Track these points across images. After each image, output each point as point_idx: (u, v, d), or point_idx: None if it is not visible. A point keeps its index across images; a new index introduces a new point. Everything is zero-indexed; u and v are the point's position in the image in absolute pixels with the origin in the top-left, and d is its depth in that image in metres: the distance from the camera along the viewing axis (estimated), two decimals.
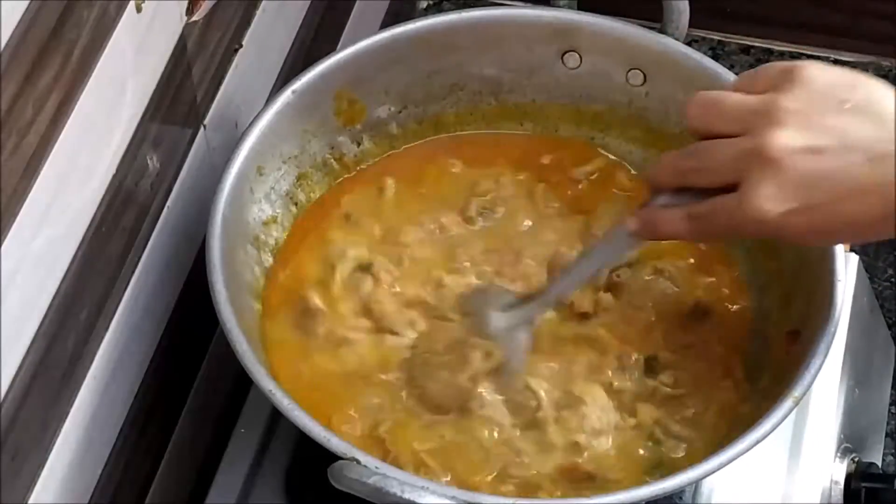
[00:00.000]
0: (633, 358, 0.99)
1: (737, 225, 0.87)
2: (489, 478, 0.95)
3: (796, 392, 0.92)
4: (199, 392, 1.10)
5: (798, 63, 0.88)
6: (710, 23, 1.37)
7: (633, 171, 1.10)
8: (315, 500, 1.00)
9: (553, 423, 0.96)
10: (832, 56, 1.37)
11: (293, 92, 1.05)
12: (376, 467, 0.87)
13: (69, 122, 0.84)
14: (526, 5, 1.14)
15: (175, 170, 1.01)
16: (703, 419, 0.98)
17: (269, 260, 1.04)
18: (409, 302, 1.02)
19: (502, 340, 0.98)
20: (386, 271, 1.02)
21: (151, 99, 0.95)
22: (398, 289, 1.02)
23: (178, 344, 1.06)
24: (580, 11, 1.10)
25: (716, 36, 1.39)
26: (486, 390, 0.97)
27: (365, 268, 1.03)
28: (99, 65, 0.87)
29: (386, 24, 1.34)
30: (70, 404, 0.92)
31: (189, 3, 0.97)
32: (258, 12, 1.08)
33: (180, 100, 0.99)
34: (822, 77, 0.87)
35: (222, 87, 1.06)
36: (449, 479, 0.94)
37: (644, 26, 1.08)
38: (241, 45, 1.07)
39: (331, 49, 1.10)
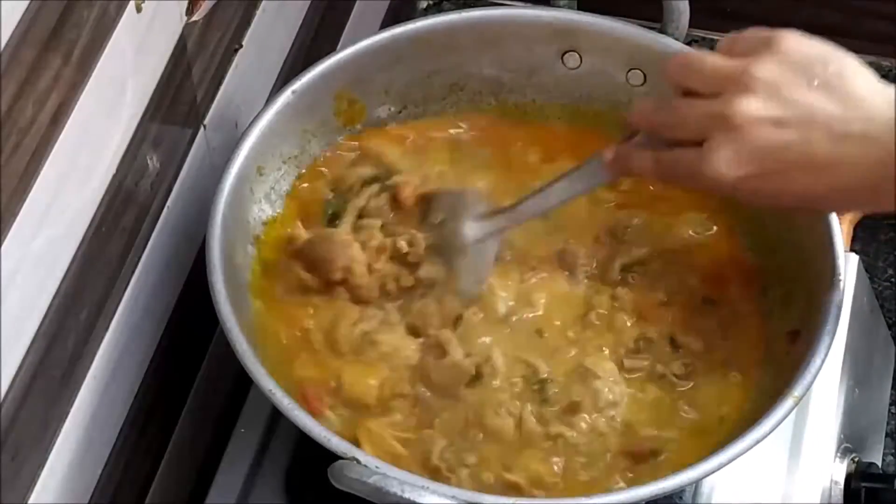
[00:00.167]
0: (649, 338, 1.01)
1: (695, 179, 0.91)
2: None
3: (796, 392, 0.92)
4: (199, 392, 1.10)
5: (778, 32, 0.91)
6: (710, 23, 1.36)
7: None
8: (315, 500, 1.00)
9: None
10: None
11: (293, 92, 1.05)
12: (376, 467, 0.87)
13: (69, 122, 0.84)
14: (526, 5, 1.14)
15: (175, 170, 1.01)
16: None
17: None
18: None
19: (470, 249, 1.00)
20: None
21: (151, 99, 0.95)
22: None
23: (178, 344, 1.06)
24: (580, 11, 1.10)
25: (716, 36, 1.39)
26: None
27: None
28: (99, 65, 0.87)
29: (386, 24, 1.34)
30: (70, 404, 0.92)
31: (189, 3, 0.97)
32: (258, 12, 1.08)
33: (180, 100, 0.99)
34: (798, 49, 0.90)
35: (222, 87, 1.06)
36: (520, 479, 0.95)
37: (644, 26, 1.08)
38: (241, 45, 1.07)
39: (331, 49, 1.10)
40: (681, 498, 1.01)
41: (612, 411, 0.97)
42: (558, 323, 1.01)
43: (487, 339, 1.00)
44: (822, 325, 0.95)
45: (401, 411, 0.97)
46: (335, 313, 1.00)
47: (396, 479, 0.87)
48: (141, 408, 1.02)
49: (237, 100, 1.08)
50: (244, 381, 0.99)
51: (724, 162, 0.88)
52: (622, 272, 1.03)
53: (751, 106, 0.88)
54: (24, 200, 0.81)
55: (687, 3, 1.07)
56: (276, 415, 0.99)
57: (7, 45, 0.76)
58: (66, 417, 0.91)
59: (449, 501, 0.86)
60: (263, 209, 1.04)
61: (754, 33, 0.92)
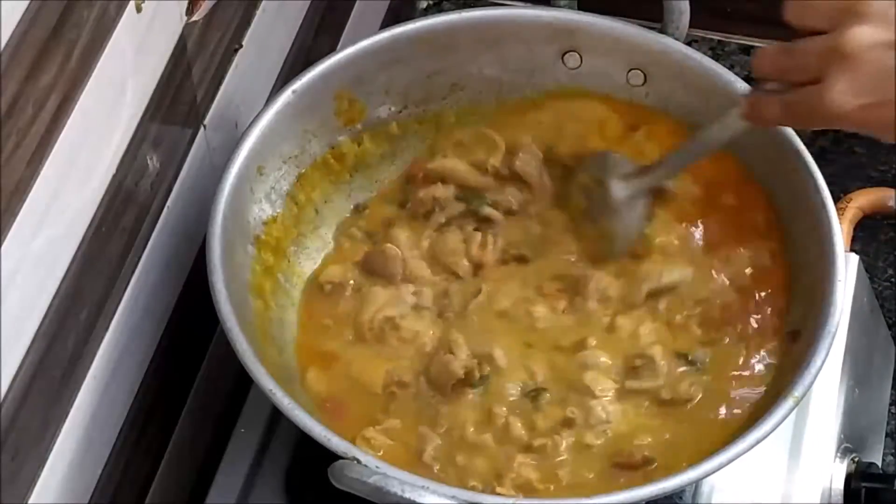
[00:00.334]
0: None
1: (819, 116, 0.91)
2: None
3: (796, 392, 0.92)
4: (199, 392, 1.10)
5: None
6: (710, 23, 1.37)
7: None
8: (315, 500, 1.00)
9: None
10: None
11: (293, 92, 1.05)
12: (377, 467, 0.87)
13: (69, 122, 0.84)
14: (526, 5, 1.14)
15: (175, 170, 1.01)
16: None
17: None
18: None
19: (623, 208, 1.02)
20: None
21: (151, 99, 0.95)
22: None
23: (178, 344, 1.06)
24: (580, 11, 1.10)
25: (716, 36, 1.39)
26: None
27: None
28: (99, 65, 0.87)
29: (386, 24, 1.34)
30: (70, 404, 0.92)
31: (189, 3, 0.97)
32: (258, 12, 1.08)
33: (180, 100, 0.99)
34: None
35: (222, 87, 1.06)
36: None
37: (644, 26, 1.08)
38: (241, 45, 1.07)
39: (331, 49, 1.10)
40: (681, 498, 1.01)
41: (604, 427, 0.97)
42: (568, 335, 1.02)
43: (494, 338, 1.01)
44: (822, 325, 0.95)
45: (400, 400, 0.98)
46: (363, 297, 1.03)
47: (396, 479, 0.87)
48: (141, 408, 1.02)
49: (237, 100, 1.08)
50: (244, 381, 0.99)
51: (842, 93, 0.88)
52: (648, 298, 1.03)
53: (864, 32, 0.87)
54: (24, 200, 0.81)
55: (687, 3, 1.07)
56: (276, 415, 0.99)
57: (7, 45, 0.76)
58: (66, 417, 0.91)
59: (449, 501, 0.86)
60: (263, 209, 1.04)
61: None
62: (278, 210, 1.05)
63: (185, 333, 1.06)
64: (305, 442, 0.90)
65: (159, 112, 0.96)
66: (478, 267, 1.06)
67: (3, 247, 0.79)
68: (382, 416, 0.98)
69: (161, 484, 1.07)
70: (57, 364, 0.89)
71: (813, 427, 1.05)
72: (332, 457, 0.88)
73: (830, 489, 1.06)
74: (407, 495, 0.86)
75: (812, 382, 0.93)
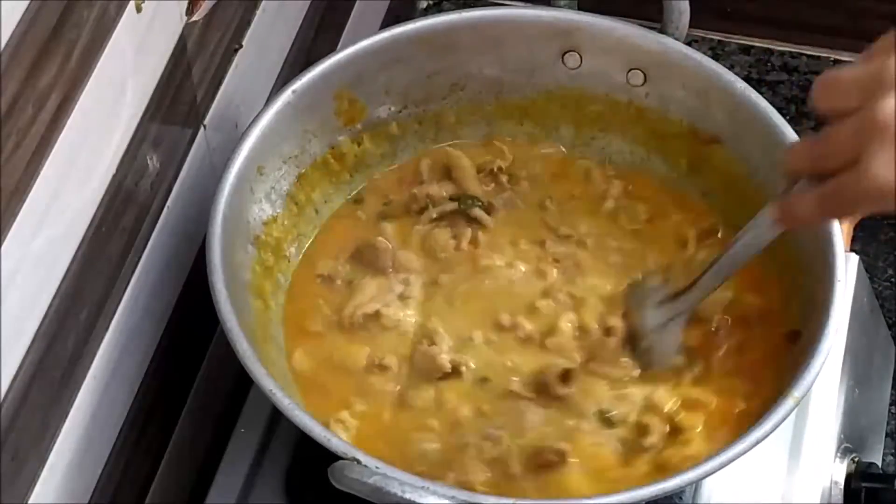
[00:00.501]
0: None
1: (861, 199, 0.85)
2: None
3: (796, 392, 0.92)
4: (199, 392, 1.10)
5: None
6: (710, 23, 1.37)
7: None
8: (315, 500, 1.00)
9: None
10: (832, 56, 1.37)
11: (293, 92, 1.05)
12: (376, 467, 0.87)
13: (69, 122, 0.84)
14: (526, 5, 1.14)
15: (175, 170, 1.01)
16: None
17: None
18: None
19: (657, 335, 1.00)
20: None
21: (151, 99, 0.95)
22: None
23: (178, 344, 1.06)
24: (580, 11, 1.10)
25: (716, 36, 1.39)
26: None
27: None
28: (99, 65, 0.87)
29: (386, 24, 1.34)
30: (70, 404, 0.92)
31: (189, 3, 0.97)
32: (258, 12, 1.08)
33: (180, 100, 0.99)
34: None
35: (222, 87, 1.06)
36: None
37: (644, 26, 1.08)
38: (241, 45, 1.07)
39: (331, 49, 1.10)
40: (681, 498, 1.01)
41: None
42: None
43: (478, 341, 1.02)
44: (822, 325, 0.95)
45: (378, 383, 0.99)
46: (353, 288, 1.04)
47: (396, 480, 0.87)
48: (141, 408, 1.02)
49: (237, 100, 1.08)
50: (244, 381, 0.99)
51: (883, 167, 0.82)
52: None
53: (894, 102, 0.82)
54: (24, 200, 0.81)
55: (687, 3, 1.07)
56: (276, 415, 0.99)
57: (7, 45, 0.76)
58: (66, 417, 0.91)
59: (449, 501, 0.86)
60: (263, 209, 1.04)
61: (888, 36, 0.86)
62: (278, 210, 1.05)
63: (185, 333, 1.06)
64: (305, 442, 0.90)
65: (159, 112, 0.96)
66: (471, 260, 1.06)
67: (3, 247, 0.79)
68: (359, 398, 0.99)
69: (161, 484, 1.07)
70: (57, 364, 0.89)
71: (813, 427, 1.05)
72: (332, 457, 0.88)
73: (830, 489, 1.06)
74: (407, 496, 0.86)
75: (812, 382, 0.93)
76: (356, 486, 0.87)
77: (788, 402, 0.92)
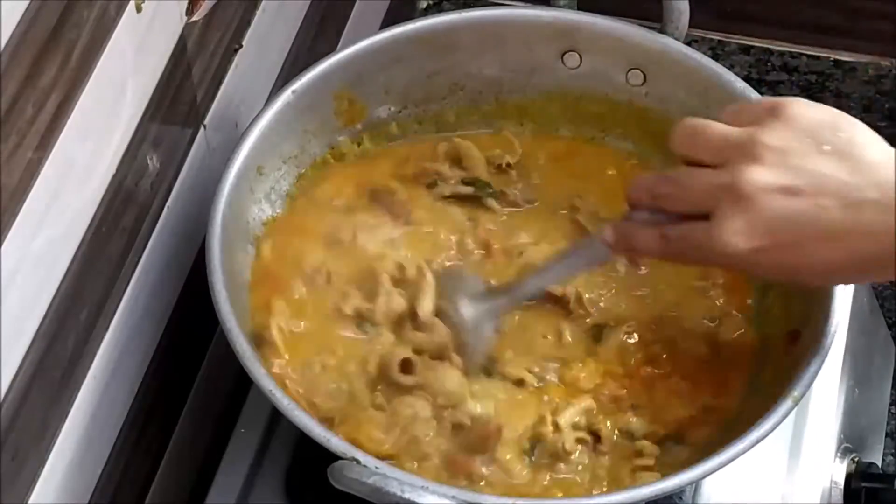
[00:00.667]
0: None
1: (705, 255, 0.88)
2: None
3: (796, 392, 0.92)
4: (199, 392, 1.10)
5: (784, 99, 0.88)
6: (710, 23, 1.37)
7: None
8: (315, 500, 1.00)
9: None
10: (832, 56, 1.37)
11: (293, 92, 1.05)
12: (376, 467, 0.87)
13: (69, 122, 0.84)
14: (526, 5, 1.14)
15: (175, 170, 1.01)
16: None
17: None
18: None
19: (468, 329, 0.98)
20: None
21: (151, 99, 0.95)
22: None
23: (178, 344, 1.06)
24: (580, 11, 1.10)
25: (716, 36, 1.39)
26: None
27: None
28: (99, 65, 0.87)
29: (386, 24, 1.34)
30: (70, 404, 0.92)
31: (189, 3, 0.97)
32: (258, 12, 1.08)
33: (180, 100, 0.99)
34: (806, 115, 0.87)
35: (222, 87, 1.06)
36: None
37: (644, 26, 1.08)
38: (241, 45, 1.07)
39: (331, 49, 1.10)
40: (681, 498, 1.01)
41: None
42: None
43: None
44: (822, 325, 0.95)
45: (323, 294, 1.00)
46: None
47: (396, 480, 0.87)
48: (141, 408, 1.02)
49: (237, 100, 1.08)
50: (244, 381, 0.99)
51: (736, 234, 0.85)
52: None
53: (759, 174, 0.85)
54: (24, 200, 0.81)
55: (687, 3, 1.07)
56: (276, 415, 0.99)
57: (7, 45, 0.76)
58: (66, 417, 0.91)
59: (449, 501, 0.86)
60: (263, 209, 1.04)
61: (760, 101, 0.90)
62: (278, 210, 1.05)
63: (185, 333, 1.06)
64: (305, 442, 0.90)
65: (159, 112, 0.96)
66: (485, 247, 1.05)
67: (3, 247, 0.79)
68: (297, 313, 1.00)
69: (161, 484, 1.07)
70: (57, 364, 0.89)
71: (813, 427, 1.05)
72: (331, 457, 0.88)
73: (830, 489, 1.06)
74: (406, 495, 0.86)
75: (812, 382, 0.93)
76: (355, 486, 0.87)
77: (788, 402, 0.92)
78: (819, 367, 0.93)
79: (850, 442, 1.09)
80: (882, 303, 1.27)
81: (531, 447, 0.96)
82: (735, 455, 0.90)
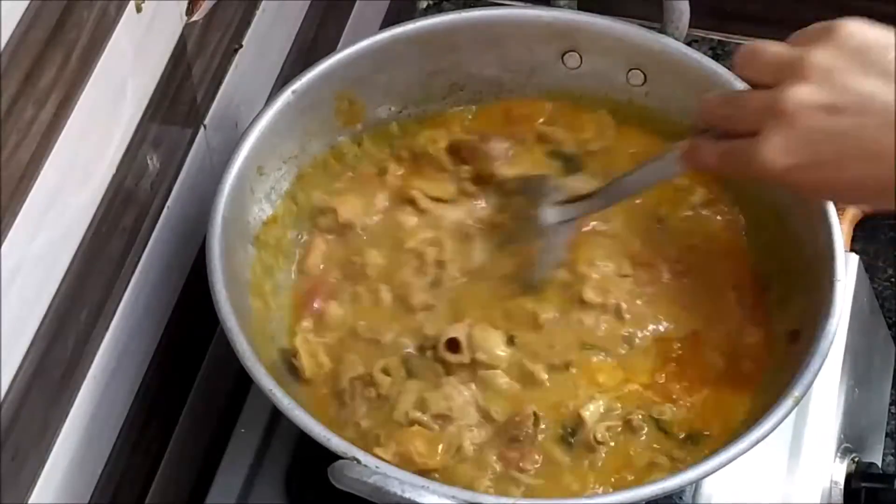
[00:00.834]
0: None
1: (748, 169, 0.89)
2: None
3: (796, 392, 0.92)
4: (199, 392, 1.10)
5: (842, 19, 0.88)
6: (710, 23, 1.37)
7: None
8: (315, 500, 1.00)
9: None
10: None
11: (293, 92, 1.05)
12: (376, 467, 0.87)
13: (69, 122, 0.84)
14: (526, 5, 1.14)
15: (175, 170, 1.01)
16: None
17: None
18: None
19: (548, 232, 1.01)
20: None
21: (151, 99, 0.95)
22: None
23: (178, 344, 1.06)
24: (580, 11, 1.10)
25: (716, 36, 1.39)
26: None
27: None
28: (99, 65, 0.87)
29: (386, 24, 1.34)
30: (70, 404, 0.92)
31: (189, 3, 0.97)
32: (258, 12, 1.08)
33: (180, 100, 0.99)
34: (858, 35, 0.87)
35: (222, 87, 1.06)
36: None
37: (644, 26, 1.08)
38: (241, 45, 1.07)
39: (331, 49, 1.10)
40: (681, 498, 1.01)
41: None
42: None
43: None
44: (822, 325, 0.95)
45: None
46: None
47: (396, 479, 0.87)
48: (141, 408, 1.02)
49: (237, 100, 1.08)
50: (244, 381, 0.99)
51: (774, 150, 0.86)
52: None
53: (802, 92, 0.85)
54: (24, 200, 0.81)
55: (687, 3, 1.07)
56: (276, 415, 0.99)
57: (7, 45, 0.76)
58: (66, 417, 0.91)
59: (449, 501, 0.86)
60: (263, 209, 1.04)
61: (820, 23, 0.90)
62: (278, 210, 1.05)
63: (185, 333, 1.06)
64: (305, 442, 0.90)
65: (159, 112, 0.96)
66: None
67: (3, 247, 0.79)
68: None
69: (161, 484, 1.07)
70: (57, 364, 0.89)
71: (813, 427, 1.05)
72: (332, 457, 0.88)
73: (830, 489, 1.06)
74: (407, 495, 0.86)
75: (812, 382, 0.93)
76: (356, 486, 0.87)
77: (788, 402, 0.92)
78: (819, 367, 0.93)
79: (850, 442, 1.09)
80: (882, 303, 1.27)
81: (569, 433, 0.97)
82: (735, 455, 0.90)
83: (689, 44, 1.08)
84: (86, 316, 0.92)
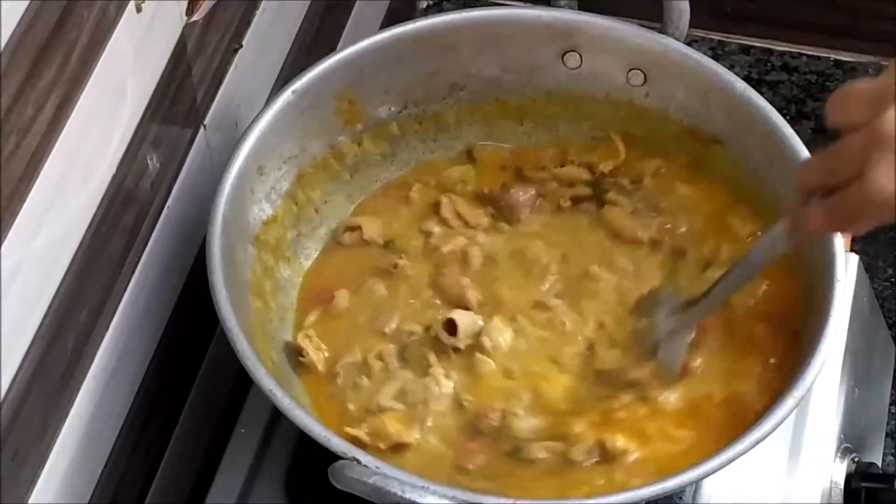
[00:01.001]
0: None
1: (863, 209, 0.85)
2: None
3: (796, 392, 0.92)
4: (199, 392, 1.10)
5: None
6: (710, 23, 1.37)
7: None
8: (315, 500, 1.00)
9: None
10: (832, 56, 1.37)
11: (293, 92, 1.05)
12: (376, 467, 0.87)
13: (69, 122, 0.84)
14: (526, 5, 1.14)
15: (175, 170, 1.01)
16: None
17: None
18: None
19: (665, 342, 1.00)
20: None
21: (151, 99, 0.95)
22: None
23: (178, 344, 1.06)
24: (580, 11, 1.10)
25: (716, 36, 1.39)
26: None
27: None
28: (99, 65, 0.87)
29: (386, 24, 1.34)
30: (70, 404, 0.92)
31: (189, 3, 0.97)
32: (258, 12, 1.08)
33: (180, 100, 0.99)
34: None
35: (222, 87, 1.06)
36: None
37: (644, 26, 1.08)
38: (241, 45, 1.07)
39: (331, 49, 1.10)
40: (681, 498, 1.01)
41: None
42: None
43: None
44: (822, 325, 0.95)
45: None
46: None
47: (397, 480, 0.87)
48: (141, 408, 1.02)
49: (237, 100, 1.08)
50: (244, 381, 0.99)
51: (884, 178, 0.82)
52: None
53: None
54: (24, 200, 0.81)
55: (687, 3, 1.07)
56: (276, 415, 0.99)
57: (7, 45, 0.76)
58: (65, 417, 0.91)
59: (449, 502, 0.86)
60: (263, 209, 1.04)
61: None
62: (278, 210, 1.05)
63: (185, 333, 1.06)
64: (305, 442, 0.90)
65: (159, 112, 0.96)
66: None
67: (3, 247, 0.79)
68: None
69: (161, 484, 1.07)
70: (57, 364, 0.89)
71: (813, 427, 1.05)
72: (332, 457, 0.88)
73: (830, 489, 1.06)
74: (407, 495, 0.86)
75: (812, 382, 0.93)
76: (356, 486, 0.87)
77: (788, 402, 0.92)
78: (819, 367, 0.93)
79: (850, 442, 1.09)
80: (882, 303, 1.27)
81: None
82: (735, 455, 0.90)
83: (689, 44, 1.08)
84: (86, 316, 0.92)
